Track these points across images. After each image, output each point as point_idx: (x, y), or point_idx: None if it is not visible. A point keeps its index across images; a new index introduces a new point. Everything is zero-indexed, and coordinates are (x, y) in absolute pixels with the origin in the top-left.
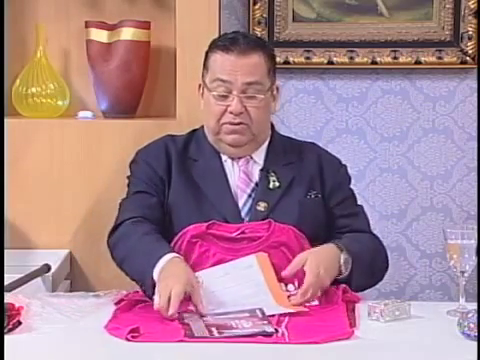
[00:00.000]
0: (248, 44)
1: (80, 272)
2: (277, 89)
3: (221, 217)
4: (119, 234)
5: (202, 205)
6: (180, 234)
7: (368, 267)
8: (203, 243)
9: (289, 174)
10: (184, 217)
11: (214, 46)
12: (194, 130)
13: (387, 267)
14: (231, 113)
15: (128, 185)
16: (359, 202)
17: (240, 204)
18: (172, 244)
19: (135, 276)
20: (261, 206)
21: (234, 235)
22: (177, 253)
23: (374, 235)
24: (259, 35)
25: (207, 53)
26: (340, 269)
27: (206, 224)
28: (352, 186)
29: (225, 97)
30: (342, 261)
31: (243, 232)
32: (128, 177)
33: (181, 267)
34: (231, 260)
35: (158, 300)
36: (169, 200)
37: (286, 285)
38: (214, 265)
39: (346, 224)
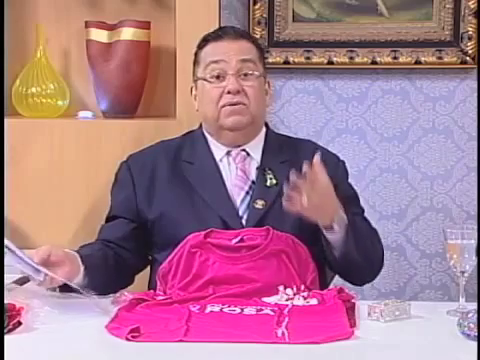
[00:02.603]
0: (238, 32)
1: None
2: (269, 84)
3: (219, 219)
4: None
5: (199, 208)
6: (180, 245)
7: (365, 246)
8: (202, 252)
9: (286, 172)
10: (182, 222)
11: (204, 40)
12: (189, 132)
13: (382, 263)
14: (229, 93)
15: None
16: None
17: (238, 202)
18: (173, 255)
19: None
20: (259, 204)
21: (233, 242)
22: (177, 264)
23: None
24: (259, 35)
25: (197, 51)
26: (332, 224)
27: (204, 233)
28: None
29: (221, 79)
30: (336, 218)
31: (242, 240)
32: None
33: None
34: (231, 269)
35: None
36: (163, 208)
37: (285, 288)
38: (214, 274)
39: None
